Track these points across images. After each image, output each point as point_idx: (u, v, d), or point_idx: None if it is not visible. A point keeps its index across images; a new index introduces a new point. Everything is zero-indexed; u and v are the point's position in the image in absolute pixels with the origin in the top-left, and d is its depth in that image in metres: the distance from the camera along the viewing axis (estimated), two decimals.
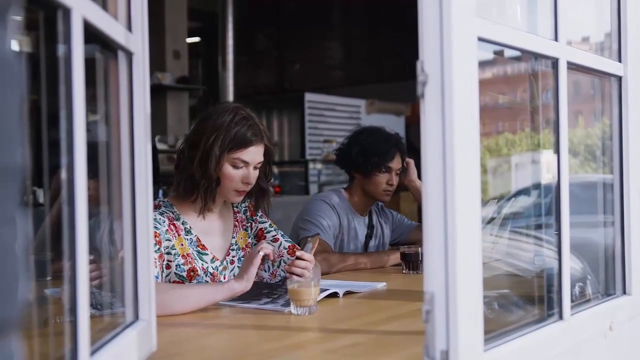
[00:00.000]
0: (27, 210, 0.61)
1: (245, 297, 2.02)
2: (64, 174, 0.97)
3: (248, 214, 2.41)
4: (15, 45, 0.60)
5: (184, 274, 2.16)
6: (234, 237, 2.34)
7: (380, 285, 2.34)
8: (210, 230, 2.29)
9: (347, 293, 2.19)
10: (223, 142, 2.14)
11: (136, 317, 1.36)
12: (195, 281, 2.17)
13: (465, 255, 1.16)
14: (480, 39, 1.23)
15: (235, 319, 1.84)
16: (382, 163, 2.98)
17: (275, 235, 2.38)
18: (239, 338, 1.69)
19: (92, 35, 1.10)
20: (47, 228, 1.66)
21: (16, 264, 0.55)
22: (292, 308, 1.87)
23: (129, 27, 1.34)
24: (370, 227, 3.14)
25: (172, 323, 1.79)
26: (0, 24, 0.58)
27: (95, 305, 1.26)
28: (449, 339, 1.15)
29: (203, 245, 2.24)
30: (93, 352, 1.07)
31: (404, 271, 2.67)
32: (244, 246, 2.36)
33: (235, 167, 2.18)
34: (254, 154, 2.19)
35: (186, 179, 2.19)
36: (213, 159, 2.14)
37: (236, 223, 2.37)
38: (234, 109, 2.20)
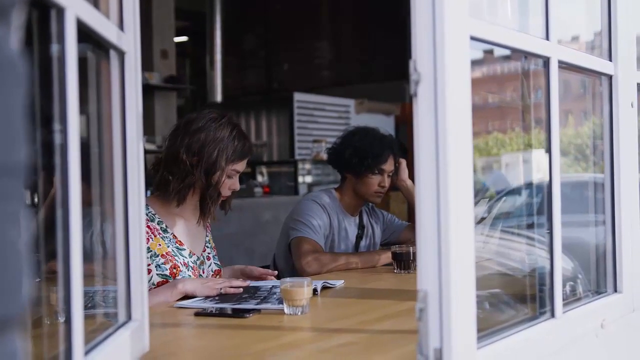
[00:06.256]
0: (28, 209, 0.62)
1: (236, 301, 2.02)
2: (57, 175, 0.97)
3: (209, 222, 2.51)
4: (18, 44, 0.60)
5: (167, 272, 2.20)
6: (207, 236, 2.45)
7: (339, 284, 2.35)
8: (186, 229, 2.36)
9: (324, 288, 2.24)
10: (227, 155, 2.25)
11: (129, 317, 1.35)
12: (179, 277, 2.23)
13: (459, 254, 1.16)
14: (473, 38, 1.23)
15: (228, 319, 1.83)
16: (375, 165, 2.96)
17: (211, 253, 2.47)
18: (232, 338, 1.69)
19: (84, 34, 1.10)
20: (37, 229, 1.66)
21: (21, 261, 0.56)
22: (285, 308, 1.87)
23: (121, 26, 1.33)
24: (361, 227, 3.13)
25: (164, 323, 1.79)
26: (3, 23, 0.58)
27: (87, 305, 1.25)
28: (442, 337, 1.15)
29: (180, 241, 2.31)
30: (86, 353, 1.07)
31: (395, 271, 2.67)
32: (213, 246, 2.48)
33: (229, 177, 2.29)
34: (245, 164, 2.35)
35: (186, 187, 2.25)
36: (219, 171, 2.25)
37: (208, 224, 2.47)
38: (229, 121, 2.31)
